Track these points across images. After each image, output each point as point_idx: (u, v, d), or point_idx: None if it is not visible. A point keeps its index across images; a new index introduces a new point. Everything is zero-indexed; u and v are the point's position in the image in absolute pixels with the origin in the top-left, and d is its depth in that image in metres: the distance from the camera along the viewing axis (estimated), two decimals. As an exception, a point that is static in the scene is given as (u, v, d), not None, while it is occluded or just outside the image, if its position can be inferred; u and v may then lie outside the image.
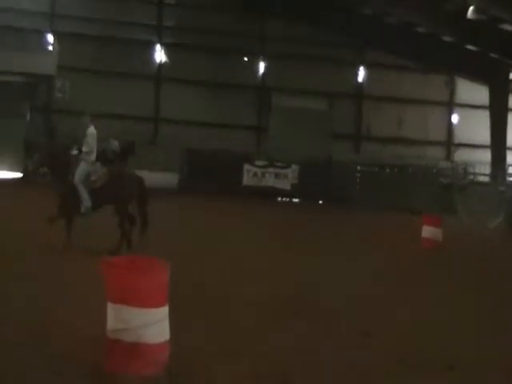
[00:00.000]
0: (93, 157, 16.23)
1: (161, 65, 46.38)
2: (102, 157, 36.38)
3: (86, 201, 15.81)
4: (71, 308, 9.95)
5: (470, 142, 47.72)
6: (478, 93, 46.49)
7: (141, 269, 7.45)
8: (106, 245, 15.35)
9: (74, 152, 16.41)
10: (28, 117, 44.12)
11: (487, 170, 42.47)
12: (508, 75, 42.92)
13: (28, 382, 6.89)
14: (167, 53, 46.25)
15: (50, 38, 44.54)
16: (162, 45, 46.33)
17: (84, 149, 16.15)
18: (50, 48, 44.12)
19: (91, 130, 16.36)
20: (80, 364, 7.44)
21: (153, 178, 38.74)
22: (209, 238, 20.01)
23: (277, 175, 42.49)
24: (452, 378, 8.27)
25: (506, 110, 42.68)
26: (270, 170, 42.54)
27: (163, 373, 7.31)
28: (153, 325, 7.21)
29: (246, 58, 46.73)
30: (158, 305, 7.30)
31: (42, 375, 7.03)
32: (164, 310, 7.37)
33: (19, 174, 42.14)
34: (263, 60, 47.15)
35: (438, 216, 24.08)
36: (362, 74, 48.25)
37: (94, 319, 8.12)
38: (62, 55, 42.34)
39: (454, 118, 48.96)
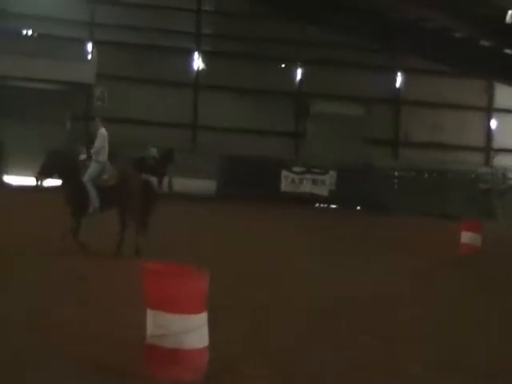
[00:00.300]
0: (103, 156, 16.42)
1: (199, 72, 46.59)
2: (142, 164, 36.89)
3: (95, 200, 15.98)
4: (108, 313, 10.05)
5: (510, 148, 47.39)
6: (517, 98, 46.29)
7: (180, 275, 7.52)
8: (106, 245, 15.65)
9: (82, 157, 16.61)
10: (68, 125, 44.51)
11: (527, 175, 42.17)
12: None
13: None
14: (205, 60, 46.46)
15: (89, 46, 44.95)
16: (200, 52, 46.55)
17: (92, 150, 16.39)
18: (89, 56, 44.51)
19: (102, 131, 16.65)
20: (118, 370, 7.50)
21: (191, 184, 39.21)
22: (247, 243, 20.09)
23: (314, 181, 42.49)
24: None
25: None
26: (308, 176, 42.57)
27: (201, 379, 7.34)
28: (192, 331, 7.26)
29: (283, 65, 46.79)
30: (197, 311, 7.34)
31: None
32: (203, 316, 7.41)
33: (58, 181, 42.52)
34: (300, 66, 47.21)
35: (477, 221, 23.96)
36: (399, 80, 48.10)
37: (131, 324, 8.19)
38: (101, 63, 42.66)
39: (493, 123, 48.60)
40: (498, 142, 48.22)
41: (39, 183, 16.88)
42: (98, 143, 16.45)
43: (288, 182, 42.31)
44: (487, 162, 48.07)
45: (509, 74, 43.65)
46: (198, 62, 46.58)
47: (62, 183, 16.62)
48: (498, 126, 48.49)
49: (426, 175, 44.36)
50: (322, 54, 45.90)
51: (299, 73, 47.35)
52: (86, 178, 16.04)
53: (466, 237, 21.77)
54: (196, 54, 46.56)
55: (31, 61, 40.26)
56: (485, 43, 41.90)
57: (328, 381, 7.92)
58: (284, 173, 42.33)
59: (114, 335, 8.77)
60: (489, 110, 48.85)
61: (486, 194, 38.53)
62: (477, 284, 16.06)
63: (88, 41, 45.02)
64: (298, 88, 47.48)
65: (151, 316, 7.34)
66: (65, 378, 7.23)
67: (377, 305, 12.47)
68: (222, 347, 8.18)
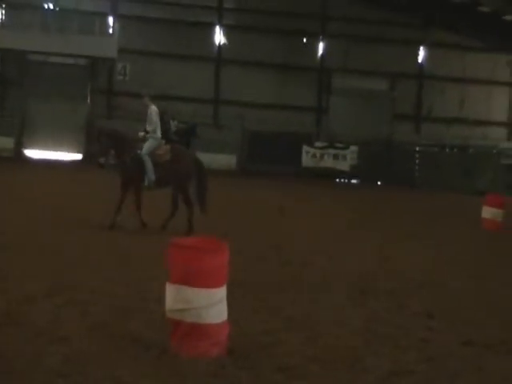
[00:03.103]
0: (159, 133, 16.52)
1: (221, 47, 46.48)
2: (164, 138, 36.84)
3: (151, 173, 16.02)
4: (138, 289, 10.15)
5: (533, 122, 47.12)
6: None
7: (203, 249, 7.52)
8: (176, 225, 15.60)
9: (141, 134, 16.59)
10: (89, 99, 44.62)
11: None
12: None
13: (94, 362, 7.01)
14: (227, 35, 46.32)
15: (111, 20, 44.93)
16: (222, 27, 46.41)
17: (148, 127, 16.40)
18: (111, 31, 44.51)
19: (153, 108, 16.60)
20: (146, 345, 7.55)
21: (214, 159, 39.27)
22: (268, 216, 20.19)
23: (335, 156, 42.44)
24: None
25: None
26: (329, 151, 42.52)
27: (226, 354, 7.34)
28: (214, 305, 7.29)
29: (304, 40, 46.54)
30: (219, 285, 7.35)
31: (111, 357, 7.16)
32: (223, 290, 7.44)
33: (79, 156, 42.74)
34: (323, 40, 46.98)
35: (499, 196, 23.84)
36: (423, 54, 47.78)
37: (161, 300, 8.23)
38: (123, 38, 42.70)
39: (517, 98, 48.24)
40: (522, 117, 47.90)
41: (103, 163, 16.82)
42: (153, 119, 16.44)
43: (309, 157, 42.26)
44: (510, 137, 47.73)
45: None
46: (219, 37, 46.45)
47: (119, 159, 16.53)
48: (521, 101, 48.13)
49: (448, 150, 44.17)
50: (344, 28, 45.67)
51: (322, 47, 47.12)
52: (144, 151, 16.11)
53: (488, 212, 21.69)
54: (218, 29, 46.42)
55: (53, 35, 40.41)
56: (509, 18, 41.50)
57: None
58: (305, 148, 42.29)
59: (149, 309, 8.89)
60: (512, 85, 48.50)
61: (508, 170, 38.29)
62: (499, 259, 15.97)
63: (110, 15, 44.99)
64: (320, 63, 47.28)
65: (173, 290, 7.36)
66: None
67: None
68: (245, 322, 8.22)
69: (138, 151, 16.13)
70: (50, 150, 42.65)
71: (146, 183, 16.12)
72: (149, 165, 16.00)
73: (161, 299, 8.01)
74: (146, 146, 16.18)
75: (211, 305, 7.24)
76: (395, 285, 11.84)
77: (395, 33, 45.79)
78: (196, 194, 16.34)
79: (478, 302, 11.11)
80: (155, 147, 16.30)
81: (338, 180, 42.40)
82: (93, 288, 9.97)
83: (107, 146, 16.42)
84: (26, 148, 43.06)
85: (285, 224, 19.24)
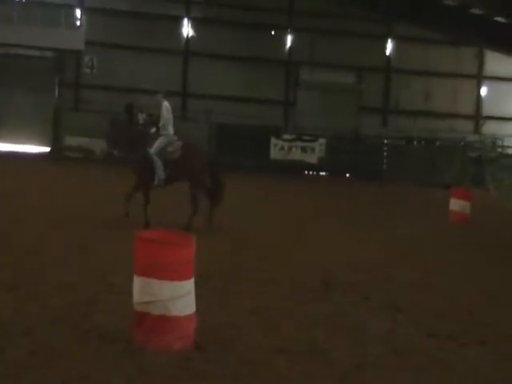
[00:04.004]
0: (170, 129, 16.37)
1: (189, 39, 46.35)
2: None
3: (160, 172, 15.93)
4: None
5: (499, 115, 47.42)
6: (508, 65, 46.25)
7: (169, 242, 7.54)
8: (178, 219, 15.57)
9: (153, 130, 16.46)
10: (56, 92, 44.34)
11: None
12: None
13: (59, 356, 6.99)
14: (195, 27, 46.18)
15: (78, 13, 44.63)
16: (189, 19, 46.28)
17: (160, 124, 16.32)
18: (79, 23, 44.25)
19: (165, 104, 16.58)
20: (110, 338, 7.54)
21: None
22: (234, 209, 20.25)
23: (304, 149, 42.46)
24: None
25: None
26: (297, 143, 42.54)
27: (193, 347, 7.38)
28: (180, 297, 7.30)
29: (273, 32, 46.51)
30: (185, 278, 7.38)
31: (75, 350, 7.15)
32: (191, 283, 7.46)
33: (47, 149, 42.48)
34: (291, 34, 46.99)
35: (466, 189, 24.04)
36: (390, 48, 47.93)
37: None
38: (91, 30, 42.45)
39: (483, 91, 48.54)
40: (488, 109, 48.16)
41: (113, 151, 16.78)
42: (165, 116, 16.36)
43: (277, 149, 42.26)
44: (477, 129, 48.05)
45: (499, 42, 43.55)
46: (187, 29, 46.30)
47: (130, 154, 16.53)
48: (487, 94, 48.41)
49: (416, 143, 44.43)
50: (313, 21, 45.68)
51: (290, 41, 47.12)
52: (153, 149, 15.99)
53: (455, 204, 21.86)
54: (186, 21, 46.27)
55: (20, 28, 40.03)
56: (476, 11, 41.76)
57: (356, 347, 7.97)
58: (273, 140, 42.29)
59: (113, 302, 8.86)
60: (479, 78, 48.75)
61: (475, 162, 38.58)
62: (464, 251, 16.11)
63: (77, 7, 44.69)
64: (288, 56, 47.28)
65: (140, 283, 7.37)
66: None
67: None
68: (208, 315, 8.26)
69: (148, 149, 16.01)
70: (17, 143, 42.35)
71: (156, 182, 16.01)
72: (158, 163, 15.90)
73: (124, 292, 8.01)
74: (156, 144, 16.06)
75: (178, 297, 7.27)
76: (359, 278, 11.90)
77: (361, 26, 45.84)
78: (210, 191, 16.33)
79: (441, 294, 11.21)
80: (166, 144, 16.14)
81: (306, 172, 42.49)
82: (55, 281, 9.95)
83: (116, 138, 16.57)
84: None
85: (250, 217, 19.20)
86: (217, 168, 16.71)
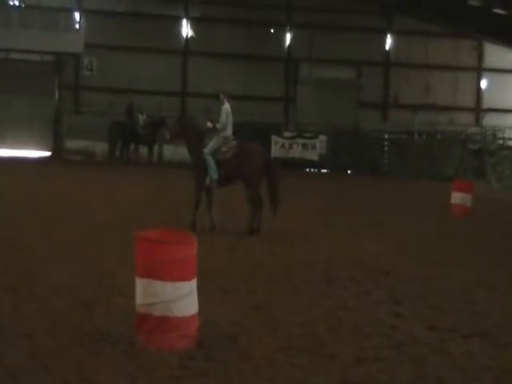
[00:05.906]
0: (228, 132, 16.16)
1: (188, 39, 46.36)
2: (131, 132, 37.09)
3: (214, 172, 15.75)
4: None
5: (500, 107, 47.41)
6: (507, 57, 46.22)
7: (170, 242, 7.54)
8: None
9: (209, 125, 16.45)
10: (56, 95, 44.38)
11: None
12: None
13: (59, 358, 7.01)
14: (194, 27, 46.20)
15: (77, 15, 44.68)
16: (188, 19, 46.29)
17: (218, 125, 16.17)
18: (77, 26, 44.30)
19: (226, 106, 16.35)
20: (112, 340, 7.56)
21: (179, 151, 39.19)
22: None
23: (304, 146, 42.43)
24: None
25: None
26: (298, 140, 42.52)
27: (196, 346, 7.39)
28: (183, 298, 7.32)
29: (272, 30, 46.53)
30: (187, 278, 7.39)
31: (77, 352, 7.18)
32: (193, 284, 7.48)
33: (48, 153, 42.46)
34: (290, 31, 47.00)
35: (467, 182, 24.03)
36: (389, 42, 47.90)
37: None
38: (89, 33, 42.50)
39: (483, 83, 48.51)
40: (488, 101, 48.14)
41: (168, 141, 16.93)
42: (223, 119, 16.17)
43: (278, 147, 42.23)
44: (477, 122, 48.03)
45: (498, 34, 43.47)
46: (186, 29, 46.31)
47: (189, 152, 16.50)
48: (487, 86, 48.38)
49: (416, 137, 44.41)
50: (311, 17, 45.70)
51: (288, 37, 47.13)
52: (207, 149, 15.82)
53: (457, 197, 21.86)
54: (184, 21, 46.29)
55: (19, 32, 40.05)
56: (475, 3, 41.69)
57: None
58: (274, 138, 42.25)
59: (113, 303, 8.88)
60: (479, 70, 48.72)
61: (476, 155, 38.52)
62: (465, 244, 16.13)
63: (76, 10, 44.74)
64: (287, 53, 47.29)
65: (141, 284, 7.38)
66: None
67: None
68: (210, 312, 8.31)
69: (203, 150, 15.86)
70: (18, 148, 42.31)
71: (208, 182, 15.82)
72: (211, 163, 15.72)
73: (125, 293, 8.03)
74: (211, 144, 15.91)
75: (180, 298, 7.27)
76: (360, 272, 11.94)
77: (360, 21, 45.84)
78: (268, 193, 15.90)
79: (442, 286, 11.24)
80: (220, 145, 15.93)
81: (307, 170, 42.47)
82: (55, 282, 9.98)
83: (180, 131, 16.64)
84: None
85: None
86: (272, 167, 16.25)
